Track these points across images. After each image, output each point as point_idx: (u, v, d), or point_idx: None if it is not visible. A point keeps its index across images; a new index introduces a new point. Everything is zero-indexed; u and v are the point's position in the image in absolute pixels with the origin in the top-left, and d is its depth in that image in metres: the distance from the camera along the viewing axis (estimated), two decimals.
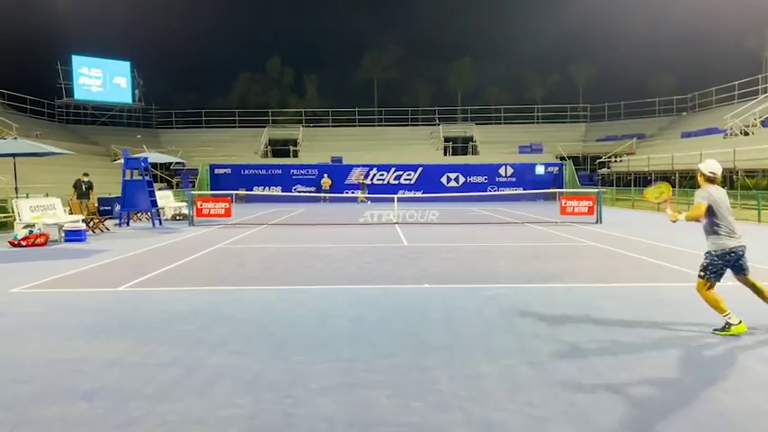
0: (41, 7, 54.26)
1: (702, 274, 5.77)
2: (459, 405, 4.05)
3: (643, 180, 34.32)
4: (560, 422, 3.77)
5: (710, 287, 5.74)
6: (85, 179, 19.88)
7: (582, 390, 4.31)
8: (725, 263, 5.70)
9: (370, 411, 3.96)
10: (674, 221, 5.95)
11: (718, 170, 5.79)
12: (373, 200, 29.97)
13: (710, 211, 5.66)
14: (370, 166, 37.11)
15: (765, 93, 34.60)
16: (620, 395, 4.20)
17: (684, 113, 44.59)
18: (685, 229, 16.84)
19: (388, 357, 5.09)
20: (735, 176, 26.76)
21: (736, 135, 30.30)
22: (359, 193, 33.13)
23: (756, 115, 30.79)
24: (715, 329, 5.73)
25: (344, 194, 34.38)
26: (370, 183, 36.36)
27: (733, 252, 5.67)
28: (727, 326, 5.66)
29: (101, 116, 45.37)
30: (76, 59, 42.75)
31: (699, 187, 5.90)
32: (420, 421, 3.80)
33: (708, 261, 5.76)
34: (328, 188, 34.82)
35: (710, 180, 5.77)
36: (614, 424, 3.73)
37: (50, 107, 41.98)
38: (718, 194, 5.71)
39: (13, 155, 16.28)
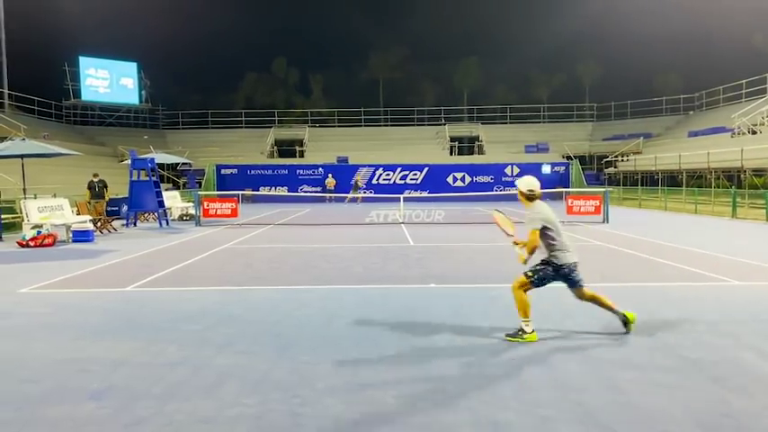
0: (48, 9, 54.58)
1: (531, 275, 5.57)
2: (466, 405, 4.04)
3: (650, 179, 34.19)
4: (567, 422, 3.77)
5: (527, 289, 5.59)
6: (96, 179, 20.00)
7: (588, 390, 4.30)
8: (557, 276, 5.58)
9: (378, 411, 3.96)
10: (524, 263, 5.60)
11: (536, 186, 5.73)
12: (379, 200, 29.39)
13: (545, 231, 5.51)
14: (376, 166, 37.08)
15: None
16: (626, 395, 4.19)
17: (691, 112, 44.39)
18: (694, 230, 16.79)
19: (394, 357, 5.09)
20: (742, 175, 26.62)
21: (744, 134, 30.13)
22: (355, 194, 32.86)
23: (764, 114, 30.58)
24: (507, 335, 5.59)
25: (342, 195, 34.30)
26: (376, 183, 36.29)
27: (568, 267, 5.55)
28: (521, 332, 5.53)
29: (108, 117, 45.54)
30: (83, 61, 42.94)
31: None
32: (427, 421, 3.80)
33: (542, 268, 5.58)
34: (333, 188, 34.87)
35: (530, 198, 5.69)
36: (619, 424, 3.72)
37: (58, 108, 42.17)
38: (547, 211, 5.58)
39: (21, 156, 16.37)
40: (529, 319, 5.54)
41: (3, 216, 15.55)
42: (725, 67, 51.53)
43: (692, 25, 61.41)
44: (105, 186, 19.94)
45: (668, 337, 5.64)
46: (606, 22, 67.52)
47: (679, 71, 61.93)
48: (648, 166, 33.61)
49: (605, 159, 39.99)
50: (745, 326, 6.04)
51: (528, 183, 5.74)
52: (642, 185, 32.76)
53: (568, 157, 39.87)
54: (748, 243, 13.53)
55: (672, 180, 32.40)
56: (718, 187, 26.39)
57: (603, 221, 18.62)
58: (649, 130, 43.02)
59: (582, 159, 40.31)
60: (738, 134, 30.63)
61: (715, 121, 36.37)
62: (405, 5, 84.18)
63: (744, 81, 37.58)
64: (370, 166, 37.15)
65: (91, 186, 19.94)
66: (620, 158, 38.49)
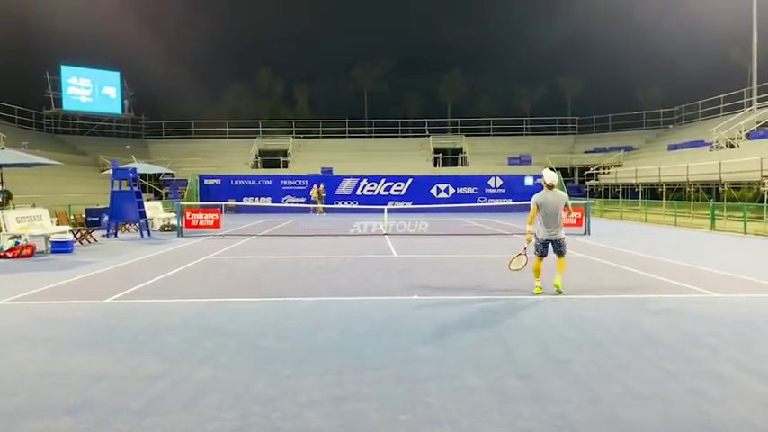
0: (30, 17, 54.06)
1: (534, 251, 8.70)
2: (448, 418, 4.04)
3: (631, 192, 34.61)
4: None
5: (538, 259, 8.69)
6: None
7: (570, 402, 4.32)
8: (543, 246, 8.57)
9: (359, 424, 3.95)
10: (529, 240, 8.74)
11: (553, 179, 8.58)
12: (363, 211, 29.79)
13: (538, 210, 8.42)
14: (361, 177, 37.13)
15: (750, 106, 35.11)
16: (609, 408, 4.22)
17: (671, 126, 45.10)
18: (674, 242, 17.00)
19: (377, 370, 5.08)
20: (721, 188, 27.05)
21: (722, 148, 30.68)
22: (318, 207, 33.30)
23: (741, 128, 31.20)
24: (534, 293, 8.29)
25: (334, 205, 34.35)
26: (360, 194, 36.31)
27: (544, 240, 8.52)
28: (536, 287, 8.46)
29: (89, 126, 45.13)
30: (65, 69, 42.56)
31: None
32: None
33: (534, 243, 8.70)
34: (318, 200, 34.84)
35: (548, 186, 8.50)
36: None
37: (39, 117, 41.74)
38: (546, 197, 8.43)
39: (0, 165, 16.15)
40: (538, 280, 8.63)
41: None
42: (704, 82, 52.39)
43: (672, 41, 62.53)
44: None
45: (647, 349, 5.68)
46: (588, 36, 68.57)
47: (659, 85, 62.90)
48: (629, 178, 34.04)
49: (587, 172, 40.42)
50: (724, 338, 6.12)
51: (546, 175, 8.74)
52: (623, 198, 33.13)
53: (551, 169, 40.20)
54: (727, 255, 13.73)
55: (652, 193, 32.82)
56: (697, 200, 26.78)
57: (585, 233, 18.79)
58: (630, 143, 43.63)
59: (564, 171, 40.69)
60: (717, 148, 31.17)
61: (694, 134, 37.00)
62: (390, 19, 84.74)
63: (722, 96, 38.34)
64: (354, 177, 37.18)
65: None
66: (601, 171, 38.93)
